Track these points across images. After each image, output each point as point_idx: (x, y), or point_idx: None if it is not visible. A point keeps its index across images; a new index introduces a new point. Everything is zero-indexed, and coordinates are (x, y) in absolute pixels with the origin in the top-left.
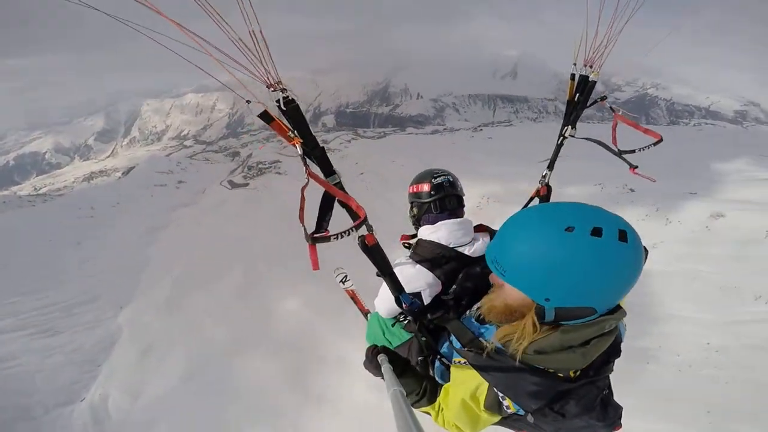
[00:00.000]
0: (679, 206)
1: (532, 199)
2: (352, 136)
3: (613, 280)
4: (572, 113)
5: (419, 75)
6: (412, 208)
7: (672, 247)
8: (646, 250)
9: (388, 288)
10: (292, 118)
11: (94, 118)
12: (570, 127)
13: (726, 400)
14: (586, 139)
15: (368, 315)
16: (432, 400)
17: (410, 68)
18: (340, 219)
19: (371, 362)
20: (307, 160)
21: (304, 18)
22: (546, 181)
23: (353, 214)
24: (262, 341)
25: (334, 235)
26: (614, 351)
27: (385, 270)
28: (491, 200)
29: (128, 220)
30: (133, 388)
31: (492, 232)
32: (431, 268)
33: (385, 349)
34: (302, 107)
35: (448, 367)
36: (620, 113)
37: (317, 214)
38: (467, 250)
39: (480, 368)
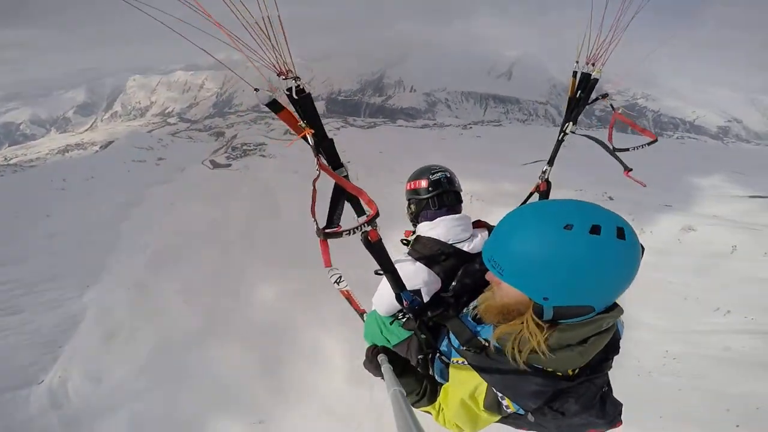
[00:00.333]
0: (653, 217)
1: (531, 194)
2: (341, 124)
3: (612, 277)
4: (573, 110)
5: (415, 68)
6: (410, 205)
7: (644, 256)
8: (642, 247)
9: (387, 285)
10: (304, 108)
11: (75, 91)
12: (571, 123)
13: (678, 406)
14: (585, 136)
15: (364, 315)
16: (432, 399)
17: (406, 61)
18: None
19: (371, 362)
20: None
21: (303, 1)
22: (546, 176)
23: (359, 209)
24: (233, 328)
25: (346, 230)
26: (612, 348)
27: (387, 267)
28: (474, 198)
29: (101, 195)
30: (96, 371)
31: (491, 228)
32: (430, 265)
33: (385, 349)
34: (308, 89)
35: (447, 365)
36: (620, 111)
37: (328, 208)
38: (466, 247)
39: (479, 368)
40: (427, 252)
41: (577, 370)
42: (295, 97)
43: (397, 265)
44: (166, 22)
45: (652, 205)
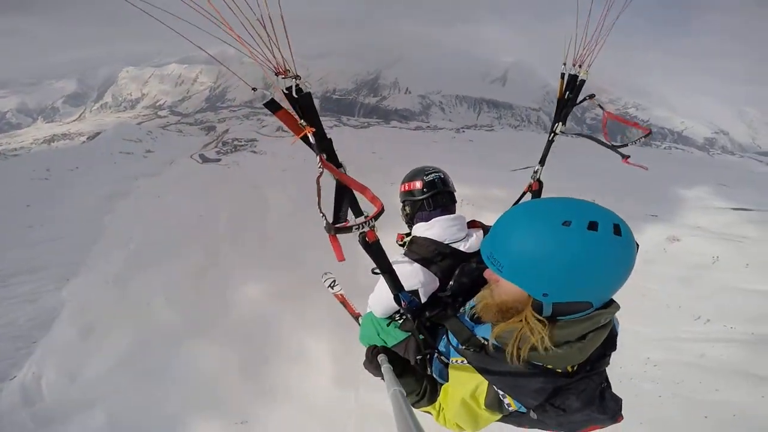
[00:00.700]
0: (639, 227)
1: (524, 194)
2: (335, 123)
3: (609, 273)
4: (562, 111)
5: (411, 70)
6: (404, 206)
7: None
8: (636, 244)
9: (385, 287)
10: (304, 108)
11: (66, 81)
12: (560, 123)
13: (658, 413)
14: (578, 135)
15: (359, 319)
16: (432, 399)
17: (403, 62)
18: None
19: (371, 362)
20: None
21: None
22: (538, 176)
23: (357, 209)
24: (216, 326)
25: (355, 225)
26: (610, 345)
27: (385, 268)
28: (464, 203)
29: (86, 186)
30: (72, 368)
31: (485, 228)
32: (428, 266)
33: (385, 349)
34: (308, 87)
35: (446, 365)
36: (609, 110)
37: (333, 205)
38: (462, 246)
39: (479, 367)
40: (424, 252)
41: (575, 367)
42: (295, 96)
43: (394, 266)
44: (161, 17)
45: (638, 214)
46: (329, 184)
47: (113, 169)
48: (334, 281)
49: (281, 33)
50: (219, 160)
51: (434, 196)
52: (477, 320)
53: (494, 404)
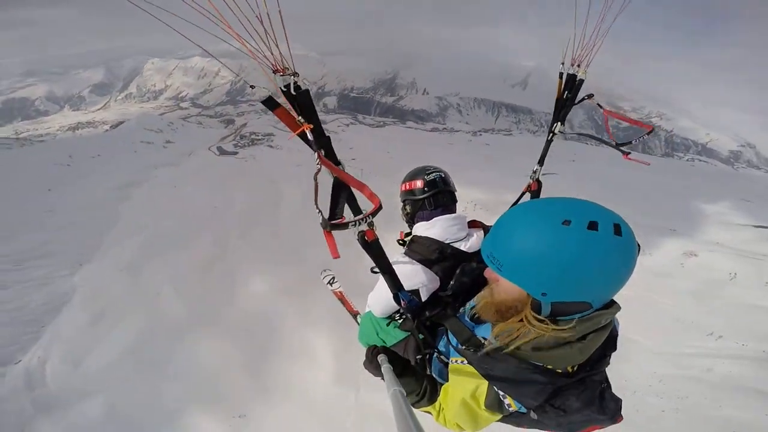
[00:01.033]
0: (656, 241)
1: (523, 194)
2: (351, 121)
3: (608, 273)
4: (561, 111)
5: (429, 71)
6: (405, 206)
7: (642, 276)
8: (638, 245)
9: (384, 286)
10: (302, 105)
11: (93, 70)
12: (559, 123)
13: (661, 427)
14: (580, 134)
15: (357, 317)
16: (432, 399)
17: (421, 63)
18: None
19: (371, 362)
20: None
21: None
22: (537, 176)
23: (356, 208)
24: (222, 320)
25: (352, 221)
26: (610, 345)
27: (385, 267)
28: (478, 207)
29: (106, 174)
30: (77, 354)
31: (485, 228)
32: (429, 265)
33: (385, 349)
34: (307, 85)
35: (446, 365)
36: (608, 109)
37: (329, 202)
38: (463, 246)
39: (479, 367)
40: (425, 252)
41: (576, 367)
42: (293, 93)
43: (395, 266)
44: (159, 13)
45: (656, 228)
46: (327, 181)
47: (133, 158)
48: (333, 278)
49: (279, 29)
50: (236, 153)
51: (435, 195)
52: (477, 320)
53: (494, 405)
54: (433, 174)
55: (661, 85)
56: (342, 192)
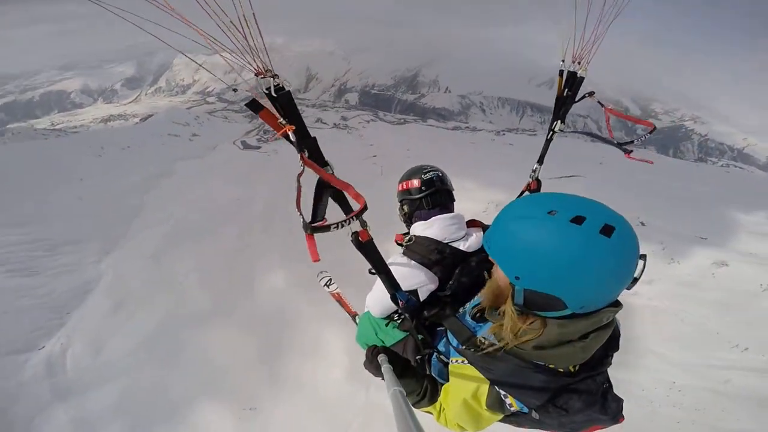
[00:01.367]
0: (685, 249)
1: (522, 193)
2: (371, 117)
3: (583, 271)
4: (561, 109)
5: (452, 69)
6: (402, 206)
7: (668, 286)
8: (644, 257)
9: (382, 286)
10: (284, 106)
11: (125, 65)
12: (559, 121)
13: None
14: (581, 132)
15: (356, 317)
16: (433, 399)
17: (445, 61)
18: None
19: (371, 362)
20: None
21: None
22: (536, 175)
23: (347, 207)
24: (239, 312)
25: (334, 224)
26: (612, 345)
27: (380, 268)
28: (499, 207)
29: (134, 164)
30: (97, 342)
31: (485, 227)
32: (427, 265)
33: (385, 349)
34: (329, 81)
35: (445, 365)
36: (609, 107)
37: (312, 203)
38: (462, 245)
39: (480, 367)
40: (424, 251)
41: (578, 367)
42: (274, 95)
43: (393, 266)
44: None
45: (687, 236)
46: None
47: (161, 150)
48: (330, 280)
49: (257, 33)
50: (259, 147)
51: (432, 194)
52: (479, 319)
53: (496, 405)
54: (430, 173)
55: (699, 87)
56: (325, 193)
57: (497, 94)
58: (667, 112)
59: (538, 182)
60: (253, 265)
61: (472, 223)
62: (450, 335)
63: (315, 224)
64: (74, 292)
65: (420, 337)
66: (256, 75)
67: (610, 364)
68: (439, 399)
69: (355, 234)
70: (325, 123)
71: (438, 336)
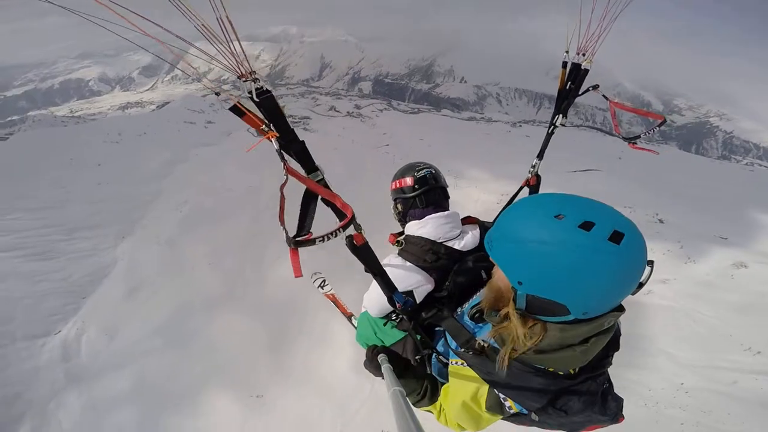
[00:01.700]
0: (704, 248)
1: (521, 189)
2: (385, 106)
3: (588, 279)
4: (564, 102)
5: (468, 59)
6: (396, 205)
7: (684, 286)
8: (651, 263)
9: (378, 288)
10: (267, 111)
11: (142, 53)
12: (561, 116)
13: None
14: (584, 126)
15: (351, 318)
16: (433, 399)
17: (460, 51)
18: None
19: (371, 362)
20: (285, 155)
21: None
22: (536, 171)
23: (338, 212)
24: (249, 299)
25: (320, 237)
26: (613, 345)
27: (376, 270)
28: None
29: (150, 151)
30: (112, 327)
31: (482, 224)
32: (422, 266)
33: (385, 349)
34: (343, 69)
35: (445, 365)
36: (615, 101)
37: (298, 215)
38: (457, 245)
39: (479, 370)
40: (418, 252)
41: (577, 369)
42: (256, 99)
43: (388, 268)
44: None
45: (706, 235)
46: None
47: (176, 137)
48: (324, 281)
49: (234, 36)
50: None
51: (426, 192)
52: (478, 319)
53: (495, 407)
54: (423, 171)
55: (727, 83)
56: (312, 203)
57: (514, 85)
58: (692, 107)
59: (538, 178)
60: (264, 252)
61: (468, 220)
62: (448, 337)
63: (299, 238)
64: (91, 277)
65: (419, 337)
66: (239, 78)
67: (611, 364)
68: (439, 399)
69: (350, 238)
70: (338, 111)
71: (437, 336)
